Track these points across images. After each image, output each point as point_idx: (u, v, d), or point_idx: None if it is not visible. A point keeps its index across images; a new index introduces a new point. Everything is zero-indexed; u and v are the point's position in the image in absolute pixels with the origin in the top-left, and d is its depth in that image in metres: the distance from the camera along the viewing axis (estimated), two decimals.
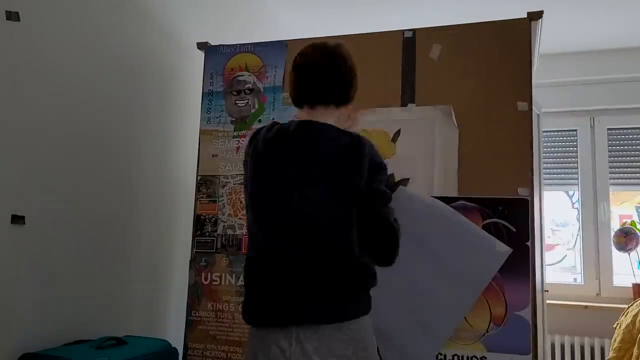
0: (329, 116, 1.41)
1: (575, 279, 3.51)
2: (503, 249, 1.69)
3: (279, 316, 1.27)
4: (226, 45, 2.21)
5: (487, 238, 1.71)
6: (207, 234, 2.06)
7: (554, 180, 3.63)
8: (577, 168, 3.58)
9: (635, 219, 3.51)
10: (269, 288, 1.30)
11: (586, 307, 3.26)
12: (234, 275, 2.00)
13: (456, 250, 1.71)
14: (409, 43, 1.95)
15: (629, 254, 3.30)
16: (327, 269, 1.27)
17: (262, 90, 2.11)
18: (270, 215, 1.33)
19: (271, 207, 1.33)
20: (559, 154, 3.66)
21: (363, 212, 1.31)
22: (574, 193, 3.64)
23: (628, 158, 3.53)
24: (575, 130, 3.63)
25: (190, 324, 2.03)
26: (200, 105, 2.18)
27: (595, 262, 3.42)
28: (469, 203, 1.76)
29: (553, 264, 3.57)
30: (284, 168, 1.33)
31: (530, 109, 1.79)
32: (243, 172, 1.46)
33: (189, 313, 2.03)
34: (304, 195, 1.30)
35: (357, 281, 1.30)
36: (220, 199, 2.07)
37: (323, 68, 1.41)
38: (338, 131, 1.37)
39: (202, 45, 2.23)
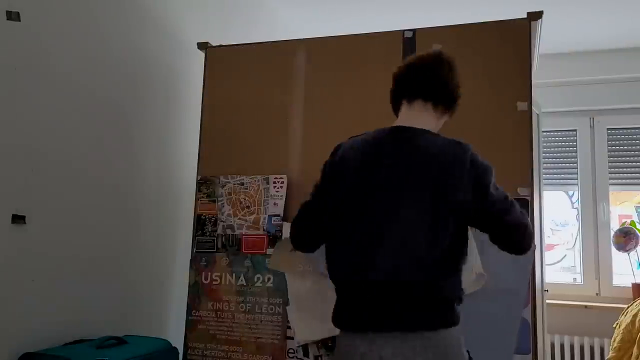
0: (427, 117, 1.41)
1: (574, 279, 3.52)
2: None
3: (361, 322, 1.28)
4: (226, 45, 2.21)
5: None
6: (208, 233, 2.06)
7: (553, 180, 3.64)
8: (577, 168, 3.58)
9: (635, 219, 3.51)
10: (356, 296, 1.31)
11: (586, 306, 3.27)
12: (234, 274, 2.00)
13: (492, 265, 1.69)
14: (409, 43, 1.95)
15: (628, 253, 3.30)
16: (414, 280, 1.26)
17: None
18: (364, 224, 1.32)
19: (366, 215, 1.32)
20: (558, 154, 3.66)
21: (487, 227, 1.32)
22: (573, 193, 3.64)
23: (628, 158, 3.53)
24: (575, 130, 3.64)
25: (190, 324, 2.03)
26: (200, 105, 2.19)
27: (595, 262, 3.43)
28: None
29: (553, 264, 3.57)
30: (378, 178, 1.33)
31: (530, 109, 1.79)
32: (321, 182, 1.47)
33: (189, 313, 2.04)
34: (400, 207, 1.29)
35: (444, 293, 1.28)
36: (219, 199, 2.07)
37: (427, 65, 1.42)
38: (435, 137, 1.35)
39: (202, 46, 2.23)
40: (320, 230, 1.47)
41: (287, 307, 1.90)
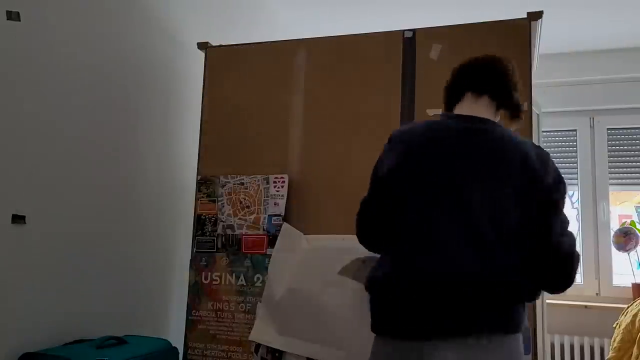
0: (490, 116, 1.35)
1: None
2: None
3: (439, 325, 1.16)
4: (226, 45, 2.21)
5: None
6: (208, 233, 2.06)
7: None
8: (577, 168, 3.58)
9: (635, 218, 3.51)
10: (419, 297, 1.18)
11: (586, 306, 3.27)
12: (233, 274, 2.00)
13: None
14: (409, 43, 1.95)
15: (628, 253, 3.30)
16: (492, 280, 1.16)
17: None
18: (440, 216, 1.21)
19: (445, 204, 1.21)
20: (558, 154, 3.66)
21: (538, 240, 1.21)
22: (573, 193, 3.64)
23: (628, 158, 3.53)
24: (575, 130, 3.63)
25: (190, 324, 2.03)
26: (200, 105, 2.19)
27: (595, 262, 3.43)
28: None
29: None
30: (458, 167, 1.23)
31: (530, 109, 1.79)
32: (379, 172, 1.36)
33: (189, 312, 2.04)
34: (487, 197, 1.20)
35: (518, 295, 1.20)
36: (219, 199, 2.07)
37: (491, 64, 1.39)
38: (512, 132, 1.30)
39: (202, 46, 2.23)
40: (386, 224, 1.35)
41: (258, 302, 1.92)
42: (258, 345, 1.88)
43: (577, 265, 1.25)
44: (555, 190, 1.25)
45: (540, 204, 1.22)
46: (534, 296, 1.24)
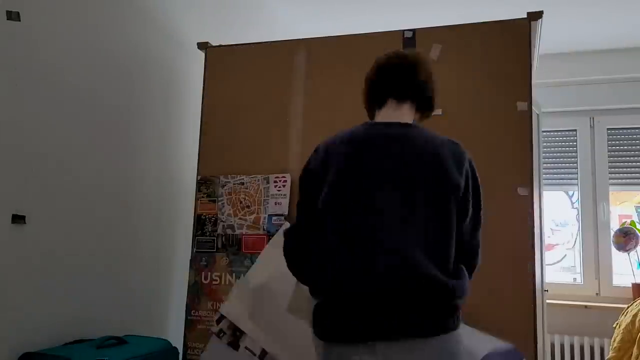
0: (411, 118, 1.39)
1: (574, 279, 3.52)
2: None
3: (363, 331, 1.19)
4: (226, 45, 2.21)
5: None
6: (208, 233, 2.06)
7: (553, 180, 3.64)
8: (577, 168, 3.58)
9: (635, 219, 3.51)
10: (354, 301, 1.21)
11: (586, 306, 3.27)
12: (233, 274, 2.00)
13: None
14: (409, 43, 1.95)
15: (628, 253, 3.30)
16: (418, 281, 1.19)
17: None
18: (361, 221, 1.24)
19: (362, 212, 1.25)
20: (558, 154, 3.66)
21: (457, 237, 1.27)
22: (573, 193, 3.64)
23: (628, 158, 3.53)
24: (575, 130, 3.64)
25: (190, 324, 2.03)
26: (200, 105, 2.19)
27: (595, 262, 3.43)
28: None
29: (553, 264, 3.57)
30: (375, 175, 1.27)
31: (530, 109, 1.79)
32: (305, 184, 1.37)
33: (188, 312, 2.04)
34: (402, 203, 1.23)
35: (448, 295, 1.21)
36: (219, 199, 2.07)
37: (410, 66, 1.39)
38: (432, 133, 1.33)
39: (202, 45, 2.23)
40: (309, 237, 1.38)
41: (237, 280, 1.97)
42: (221, 317, 1.95)
43: (472, 272, 1.33)
44: (466, 192, 1.28)
45: (452, 206, 1.25)
46: (452, 296, 1.22)
